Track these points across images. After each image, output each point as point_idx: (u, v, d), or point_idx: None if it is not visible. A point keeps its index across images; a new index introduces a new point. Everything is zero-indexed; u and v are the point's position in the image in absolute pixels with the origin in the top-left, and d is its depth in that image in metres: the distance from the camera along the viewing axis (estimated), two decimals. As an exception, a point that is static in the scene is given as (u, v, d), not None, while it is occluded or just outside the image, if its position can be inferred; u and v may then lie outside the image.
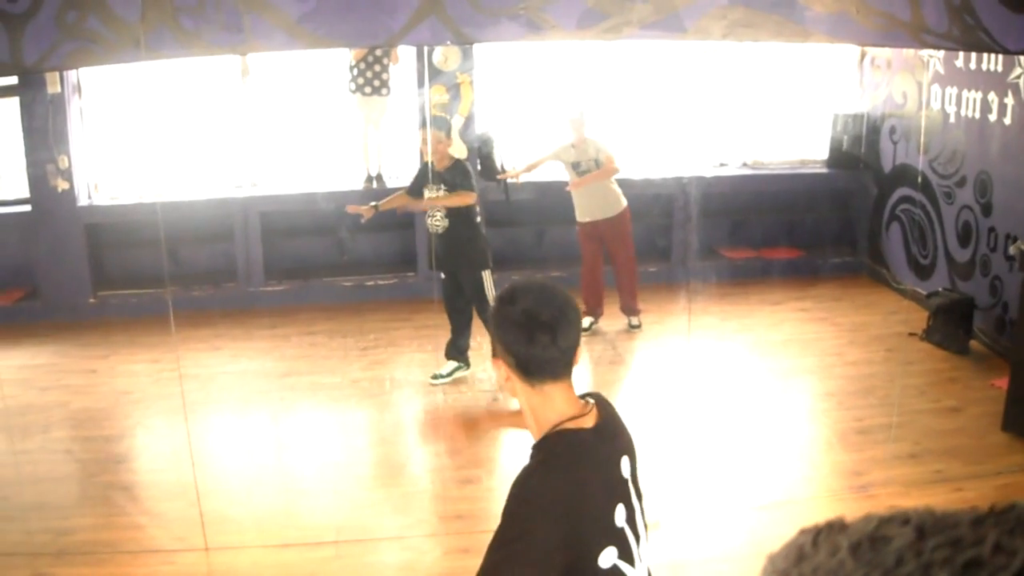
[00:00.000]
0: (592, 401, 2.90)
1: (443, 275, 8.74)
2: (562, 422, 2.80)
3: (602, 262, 9.73)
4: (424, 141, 8.41)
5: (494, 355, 2.93)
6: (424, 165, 8.55)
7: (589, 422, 2.82)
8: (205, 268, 10.97)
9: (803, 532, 0.88)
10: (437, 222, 8.39)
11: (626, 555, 2.78)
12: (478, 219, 8.53)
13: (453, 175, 8.36)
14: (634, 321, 9.84)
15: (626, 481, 2.85)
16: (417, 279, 10.75)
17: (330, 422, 8.25)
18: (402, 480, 7.23)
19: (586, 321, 9.70)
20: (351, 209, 8.85)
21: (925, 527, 0.80)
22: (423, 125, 8.98)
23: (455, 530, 6.33)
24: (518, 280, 2.96)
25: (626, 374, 9.31)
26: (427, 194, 8.40)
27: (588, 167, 9.39)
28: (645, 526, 2.91)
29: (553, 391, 2.82)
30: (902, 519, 0.82)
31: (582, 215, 9.56)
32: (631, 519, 2.83)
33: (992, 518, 0.79)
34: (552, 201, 10.05)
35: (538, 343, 2.75)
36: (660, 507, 6.32)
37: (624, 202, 9.53)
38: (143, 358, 9.33)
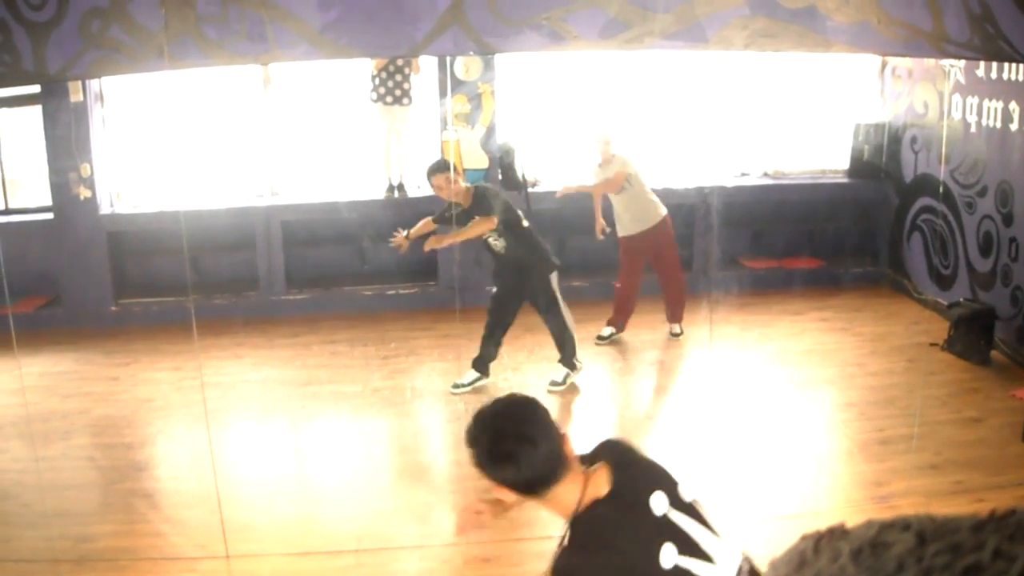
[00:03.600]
0: (600, 463, 3.00)
1: (496, 288, 8.69)
2: (580, 504, 2.94)
3: (641, 276, 9.71)
4: (439, 187, 8.34)
5: (497, 485, 3.05)
6: (448, 206, 8.51)
7: (604, 488, 2.93)
8: (227, 276, 10.99)
9: (805, 538, 0.88)
10: (494, 243, 8.40)
11: (691, 549, 2.92)
12: (526, 224, 8.50)
13: (475, 208, 8.33)
14: (676, 329, 9.82)
15: (663, 518, 2.92)
16: (438, 288, 10.76)
17: (351, 431, 8.26)
18: (423, 489, 7.23)
19: (607, 331, 9.70)
20: (396, 244, 8.75)
21: (925, 533, 0.81)
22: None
23: (476, 540, 6.33)
24: (472, 419, 3.11)
25: (648, 384, 9.30)
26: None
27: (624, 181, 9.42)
28: (714, 532, 3.02)
29: (559, 490, 2.96)
30: (903, 525, 0.83)
31: (624, 229, 9.52)
32: (687, 546, 2.91)
33: (992, 524, 0.80)
34: (573, 211, 10.05)
35: (523, 467, 2.91)
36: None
37: (664, 210, 9.50)
38: (165, 366, 9.36)
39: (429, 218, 8.75)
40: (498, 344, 8.68)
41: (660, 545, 2.87)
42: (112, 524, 6.65)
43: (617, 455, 3.04)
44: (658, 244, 9.54)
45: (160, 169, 10.67)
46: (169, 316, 10.23)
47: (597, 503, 2.92)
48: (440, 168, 8.39)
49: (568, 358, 8.63)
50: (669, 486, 3.00)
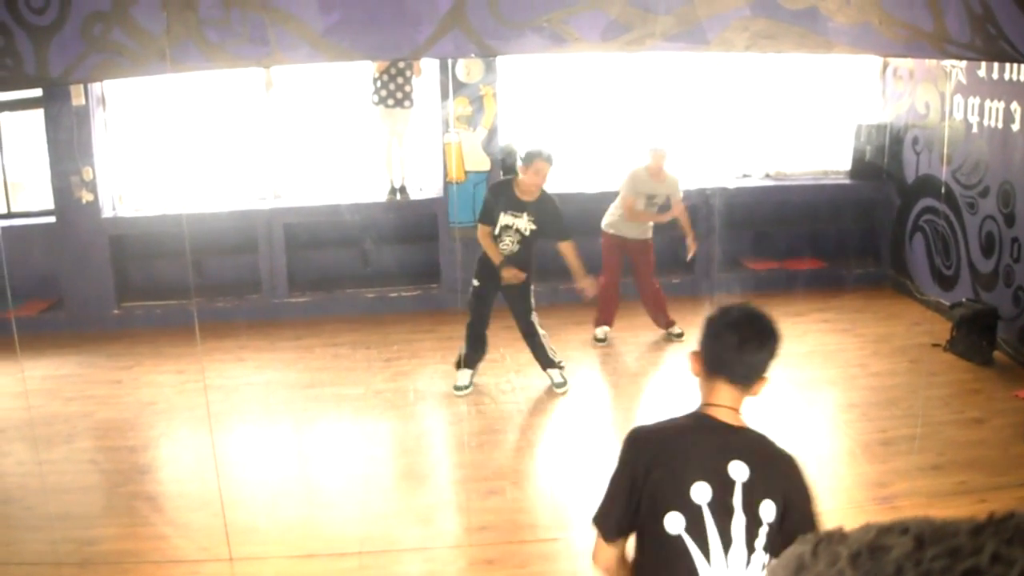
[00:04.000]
0: (747, 425, 3.25)
1: (485, 291, 8.59)
2: (708, 405, 3.25)
3: (621, 271, 9.73)
4: (535, 171, 8.16)
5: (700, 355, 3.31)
6: (499, 188, 8.47)
7: (724, 417, 3.21)
8: (229, 280, 11.01)
9: (802, 542, 0.88)
10: (511, 246, 8.37)
11: (699, 537, 3.07)
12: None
13: (542, 208, 8.32)
14: (675, 330, 9.82)
15: (729, 478, 3.08)
16: (440, 291, 10.77)
17: (354, 433, 8.26)
18: (426, 491, 7.23)
19: (601, 331, 9.72)
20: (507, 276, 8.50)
21: (924, 536, 0.81)
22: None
23: (479, 541, 6.34)
24: (738, 303, 3.35)
25: (649, 386, 9.30)
26: (509, 220, 8.30)
27: (661, 202, 9.42)
28: (750, 546, 3.07)
29: (721, 387, 3.23)
30: (901, 529, 0.83)
31: (614, 227, 9.56)
32: (720, 513, 3.07)
33: (990, 527, 0.80)
34: (573, 212, 10.05)
35: (724, 344, 3.19)
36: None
37: (651, 231, 9.63)
38: (167, 369, 9.37)
39: (493, 247, 8.46)
40: (484, 340, 8.71)
41: (697, 480, 3.09)
42: (115, 527, 6.65)
43: (757, 438, 3.24)
44: (639, 254, 9.62)
45: (162, 172, 10.68)
46: (172, 319, 10.24)
47: (707, 412, 3.24)
48: (550, 159, 8.26)
49: (546, 358, 8.68)
50: (758, 489, 3.10)
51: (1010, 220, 8.99)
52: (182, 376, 9.11)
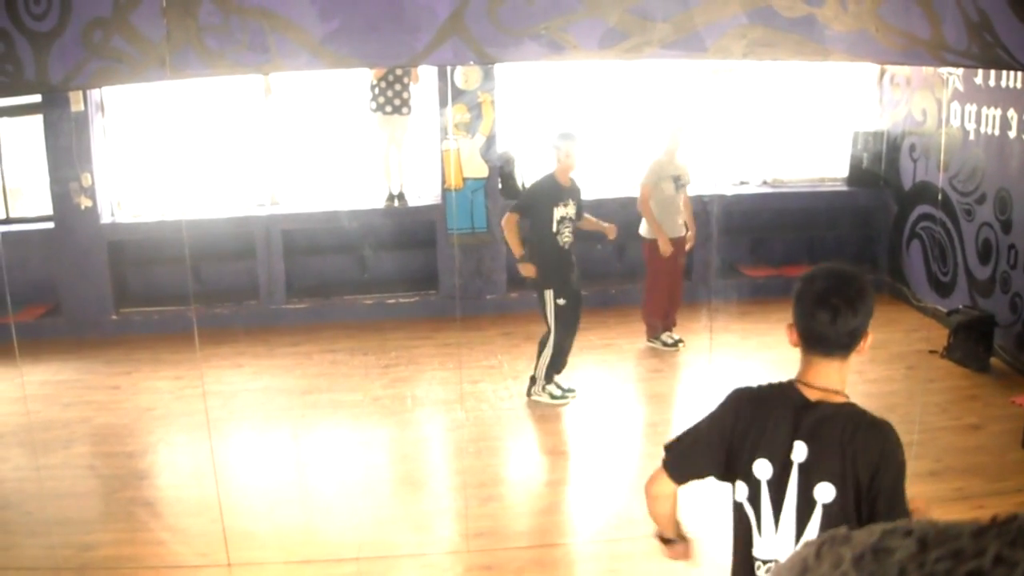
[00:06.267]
0: (846, 402, 3.22)
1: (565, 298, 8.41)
2: (799, 380, 3.23)
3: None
4: (567, 155, 8.25)
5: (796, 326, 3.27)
6: (544, 184, 8.40)
7: (809, 394, 3.19)
8: (227, 286, 11.01)
9: (806, 545, 0.89)
10: (569, 237, 8.39)
11: (756, 510, 3.20)
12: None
13: (575, 191, 8.42)
14: (671, 338, 9.83)
15: (788, 459, 3.15)
16: (438, 297, 10.77)
17: (352, 439, 8.26)
18: (423, 497, 7.24)
19: (671, 339, 9.71)
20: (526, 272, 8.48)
21: (927, 539, 0.82)
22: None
23: (477, 547, 6.34)
24: (823, 264, 3.37)
25: (649, 392, 9.30)
26: (563, 212, 8.29)
27: (686, 182, 9.40)
28: (800, 527, 3.15)
29: (816, 361, 3.21)
30: (904, 531, 0.84)
31: (670, 231, 9.46)
32: (776, 491, 3.16)
33: (994, 529, 0.81)
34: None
35: (818, 320, 3.15)
36: (683, 524, 6.33)
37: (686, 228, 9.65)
38: (166, 375, 9.38)
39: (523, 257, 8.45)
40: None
41: (760, 457, 3.18)
42: (114, 532, 6.65)
43: (841, 420, 3.16)
44: (679, 254, 9.57)
45: (161, 178, 10.68)
46: (170, 325, 10.24)
47: (795, 387, 3.23)
48: (577, 137, 8.38)
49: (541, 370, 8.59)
50: (821, 468, 3.12)
51: (1007, 227, 9.01)
52: (180, 382, 9.11)
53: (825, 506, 3.09)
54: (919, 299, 10.60)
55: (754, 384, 3.33)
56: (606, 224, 8.55)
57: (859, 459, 3.07)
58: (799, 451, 3.12)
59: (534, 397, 8.51)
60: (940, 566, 0.78)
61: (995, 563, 0.77)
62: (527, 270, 8.29)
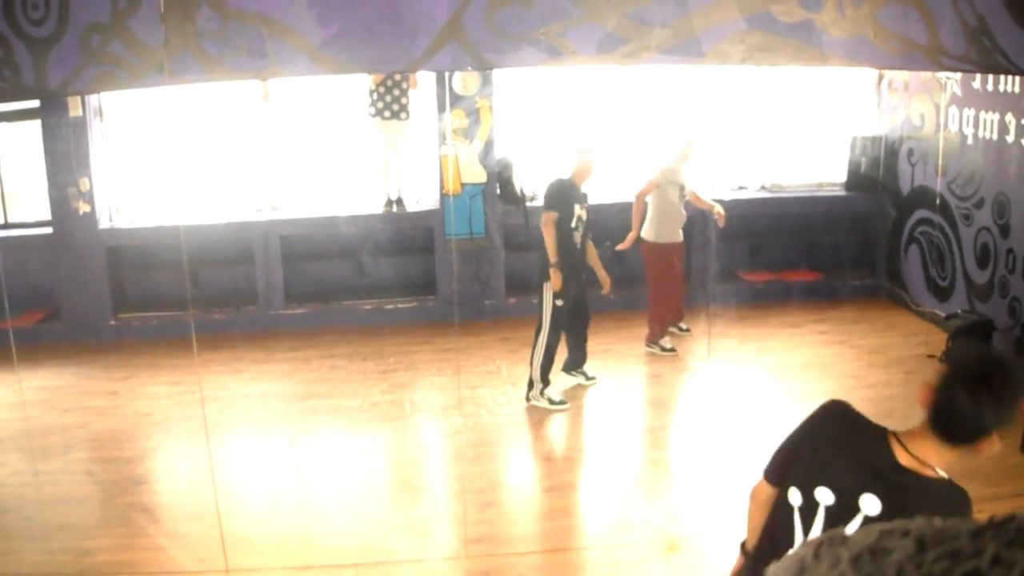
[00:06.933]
0: (944, 480, 3.11)
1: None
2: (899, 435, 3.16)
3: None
4: (586, 162, 8.41)
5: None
6: (565, 184, 8.42)
7: (905, 461, 3.10)
8: (226, 291, 11.01)
9: (804, 545, 0.89)
10: (581, 240, 8.49)
11: (806, 524, 3.17)
12: None
13: (586, 196, 8.52)
14: (668, 344, 9.82)
15: (855, 503, 3.06)
16: (437, 303, 10.77)
17: (350, 445, 8.25)
18: (422, 503, 7.23)
19: (669, 344, 9.72)
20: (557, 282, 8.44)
21: (925, 539, 0.82)
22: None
23: (475, 553, 6.34)
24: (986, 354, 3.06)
25: (648, 397, 9.30)
26: (580, 211, 8.38)
27: (687, 193, 9.42)
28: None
29: (929, 439, 3.09)
30: (902, 531, 0.84)
31: (671, 236, 9.50)
32: (831, 524, 3.07)
33: (991, 530, 0.81)
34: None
35: (957, 409, 2.96)
36: (681, 529, 6.33)
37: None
38: (164, 380, 9.37)
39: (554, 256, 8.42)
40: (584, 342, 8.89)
41: (820, 485, 3.17)
42: (112, 538, 6.64)
43: (927, 496, 3.09)
44: (677, 260, 9.58)
45: (159, 184, 10.68)
46: (168, 330, 10.24)
47: (891, 451, 3.14)
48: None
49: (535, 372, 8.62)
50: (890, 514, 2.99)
51: (1005, 231, 9.01)
52: (178, 387, 9.10)
53: None
54: (918, 303, 10.61)
55: (853, 407, 3.35)
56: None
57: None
58: (870, 503, 3.03)
59: (533, 401, 8.53)
60: (938, 566, 0.78)
61: (993, 563, 0.77)
62: (559, 279, 8.29)
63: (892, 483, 3.03)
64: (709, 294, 10.77)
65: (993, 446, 2.98)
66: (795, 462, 3.28)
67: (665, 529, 6.54)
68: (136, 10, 5.51)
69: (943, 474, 3.08)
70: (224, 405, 8.73)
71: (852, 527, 2.99)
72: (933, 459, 3.07)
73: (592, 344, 9.43)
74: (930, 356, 9.26)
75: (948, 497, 3.04)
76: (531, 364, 8.51)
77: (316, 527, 6.74)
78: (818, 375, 9.20)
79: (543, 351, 8.42)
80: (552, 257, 8.26)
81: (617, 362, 9.64)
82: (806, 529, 3.16)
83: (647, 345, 9.76)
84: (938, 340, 9.43)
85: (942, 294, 10.13)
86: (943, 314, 9.79)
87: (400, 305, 10.87)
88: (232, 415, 8.61)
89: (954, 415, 2.94)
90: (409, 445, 8.31)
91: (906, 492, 3.01)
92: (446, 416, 8.53)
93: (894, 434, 3.13)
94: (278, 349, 10.19)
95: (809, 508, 3.16)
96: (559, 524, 6.83)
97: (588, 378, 8.93)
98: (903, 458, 3.06)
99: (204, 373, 8.97)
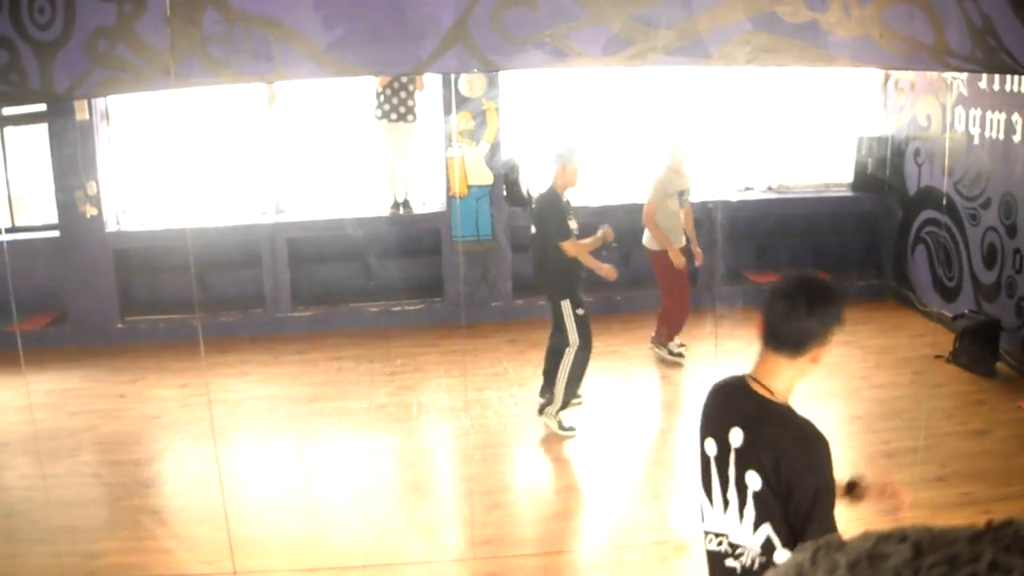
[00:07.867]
0: (782, 403, 3.42)
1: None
2: (751, 373, 3.48)
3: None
4: (575, 172, 8.05)
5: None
6: (553, 198, 8.08)
7: (754, 386, 3.43)
8: (233, 294, 11.02)
9: (801, 550, 0.89)
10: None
11: (707, 483, 3.53)
12: None
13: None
14: (678, 349, 9.77)
15: (727, 441, 3.42)
16: (444, 305, 10.77)
17: (357, 447, 8.25)
18: (429, 505, 7.23)
19: (680, 346, 9.66)
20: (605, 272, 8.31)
21: (923, 544, 0.81)
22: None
23: (483, 555, 6.34)
24: (809, 270, 3.56)
25: (654, 399, 9.29)
26: (573, 226, 8.05)
27: (688, 197, 9.37)
28: (741, 507, 3.39)
29: (764, 355, 3.45)
30: (900, 536, 0.83)
31: (677, 239, 9.43)
32: (721, 470, 3.45)
33: (989, 535, 0.81)
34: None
35: (773, 312, 3.35)
36: (687, 531, 6.32)
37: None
38: (171, 383, 9.38)
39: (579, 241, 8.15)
40: None
41: (707, 437, 3.56)
42: (119, 540, 6.65)
43: (769, 407, 3.41)
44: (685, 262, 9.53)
45: (166, 187, 10.70)
46: (175, 333, 10.25)
47: (736, 381, 3.57)
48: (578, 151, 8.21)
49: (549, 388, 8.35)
50: (753, 446, 3.36)
51: (1012, 231, 9.00)
52: (186, 390, 9.11)
53: (755, 493, 3.29)
54: (924, 304, 10.60)
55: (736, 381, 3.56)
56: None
57: (782, 462, 3.23)
58: (736, 436, 3.34)
59: (544, 419, 8.22)
60: (935, 572, 0.78)
61: (990, 569, 0.77)
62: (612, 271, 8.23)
63: (748, 413, 3.37)
64: (715, 295, 10.76)
65: (820, 354, 3.37)
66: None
67: (673, 531, 6.54)
68: (142, 14, 5.52)
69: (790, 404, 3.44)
70: (231, 408, 8.74)
71: (732, 467, 3.31)
72: (778, 381, 3.40)
73: (598, 345, 9.42)
74: (937, 357, 9.26)
75: (789, 418, 3.37)
76: (556, 380, 8.13)
77: (323, 529, 6.75)
78: (825, 375, 9.17)
79: (571, 366, 8.06)
80: (605, 272, 8.18)
81: (624, 364, 9.64)
82: (707, 489, 3.54)
83: (655, 346, 9.73)
84: (945, 341, 9.42)
85: (949, 294, 10.11)
86: (950, 314, 9.76)
87: (407, 307, 10.87)
88: (239, 418, 8.62)
89: (776, 320, 3.32)
90: (416, 447, 8.31)
91: (759, 418, 3.34)
92: (453, 418, 8.53)
93: (751, 376, 3.46)
94: (285, 352, 10.20)
95: (706, 467, 3.52)
96: (566, 526, 6.83)
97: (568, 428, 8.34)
98: (755, 387, 3.41)
99: (211, 376, 8.99)
